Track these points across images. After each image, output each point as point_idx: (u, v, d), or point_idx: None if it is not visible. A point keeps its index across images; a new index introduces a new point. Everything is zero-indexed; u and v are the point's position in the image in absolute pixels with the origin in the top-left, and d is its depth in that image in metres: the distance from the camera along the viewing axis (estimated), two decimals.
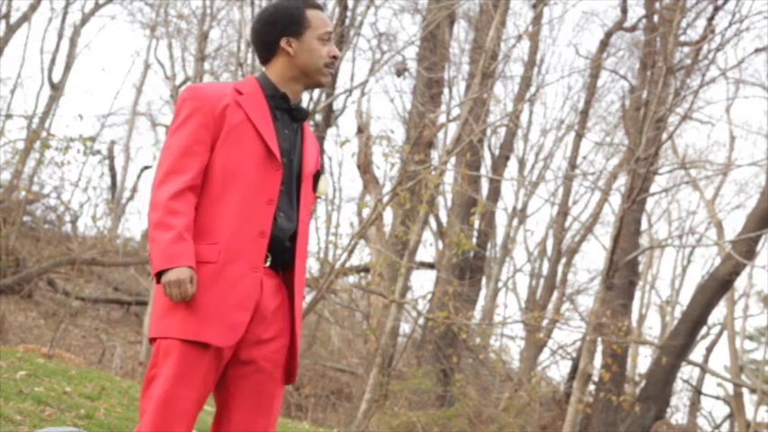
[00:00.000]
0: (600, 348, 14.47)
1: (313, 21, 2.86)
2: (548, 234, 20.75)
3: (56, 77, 17.33)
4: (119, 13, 29.48)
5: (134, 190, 21.63)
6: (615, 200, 19.64)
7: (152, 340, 2.73)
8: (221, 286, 2.67)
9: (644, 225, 20.84)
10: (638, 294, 21.46)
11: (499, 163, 17.30)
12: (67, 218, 18.12)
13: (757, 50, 16.19)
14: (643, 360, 20.35)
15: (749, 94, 37.59)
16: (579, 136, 18.51)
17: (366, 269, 14.20)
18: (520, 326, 18.66)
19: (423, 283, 44.03)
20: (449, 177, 12.60)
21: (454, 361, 14.20)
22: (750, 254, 14.98)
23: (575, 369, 15.71)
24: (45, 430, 3.48)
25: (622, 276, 15.33)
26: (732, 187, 32.02)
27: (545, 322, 15.60)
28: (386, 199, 11.02)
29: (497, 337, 18.42)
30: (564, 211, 19.76)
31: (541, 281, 20.04)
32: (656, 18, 16.33)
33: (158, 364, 2.67)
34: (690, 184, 20.86)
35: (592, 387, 15.68)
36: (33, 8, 16.12)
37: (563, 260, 19.84)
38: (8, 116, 16.26)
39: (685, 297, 23.04)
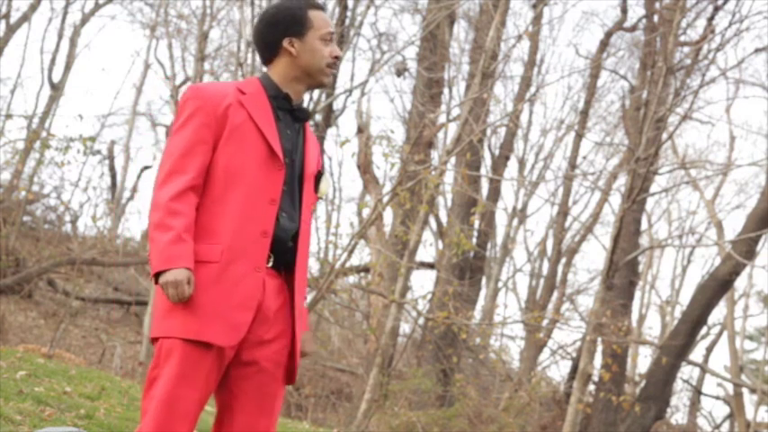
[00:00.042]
0: (600, 348, 14.47)
1: (315, 21, 2.86)
2: (548, 234, 20.76)
3: (56, 77, 17.34)
4: (119, 13, 29.52)
5: (134, 190, 21.66)
6: (615, 200, 19.66)
7: (154, 340, 2.73)
8: (224, 286, 2.67)
9: (644, 225, 20.85)
10: (638, 294, 21.47)
11: (499, 163, 17.30)
12: (67, 218, 18.14)
13: (757, 50, 16.19)
14: (643, 360, 20.38)
15: (749, 94, 37.64)
16: (579, 136, 18.51)
17: (366, 269, 14.20)
18: (520, 326, 18.68)
19: (423, 283, 44.06)
20: (449, 177, 12.61)
21: (454, 361, 14.20)
22: (750, 254, 14.98)
23: (575, 369, 15.71)
24: (45, 430, 3.48)
25: (622, 276, 15.33)
26: (732, 187, 32.06)
27: (545, 322, 15.60)
28: (386, 199, 11.02)
29: (497, 337, 18.43)
30: (564, 211, 19.76)
31: (541, 281, 20.05)
32: (656, 18, 16.33)
33: (160, 365, 2.66)
34: (690, 184, 20.87)
35: (592, 387, 15.68)
36: (33, 8, 16.12)
37: (563, 260, 19.84)
38: (8, 116, 16.27)
39: (685, 297, 23.05)
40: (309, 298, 10.67)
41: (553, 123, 20.42)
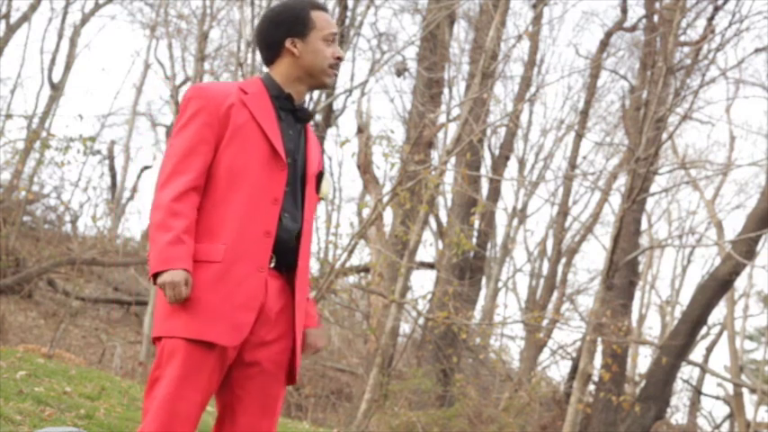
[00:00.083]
0: (600, 348, 14.47)
1: (318, 22, 2.86)
2: (548, 234, 20.76)
3: (56, 77, 17.34)
4: (119, 13, 29.47)
5: (134, 190, 21.67)
6: (615, 200, 19.67)
7: (156, 340, 2.72)
8: (227, 286, 2.67)
9: (644, 225, 20.85)
10: (638, 294, 21.48)
11: (499, 163, 17.30)
12: (67, 218, 18.15)
13: (757, 50, 16.20)
14: (643, 360, 20.38)
15: (749, 94, 37.64)
16: (579, 136, 18.51)
17: (366, 269, 14.20)
18: (520, 326, 18.68)
19: (423, 283, 44.05)
20: (449, 177, 12.61)
21: (454, 361, 14.20)
22: (750, 254, 14.98)
23: (575, 369, 15.71)
24: (45, 430, 3.48)
25: (622, 276, 15.33)
26: (732, 187, 32.06)
27: (545, 322, 15.60)
28: (386, 199, 11.03)
29: (497, 337, 18.44)
30: (564, 211, 19.76)
31: (541, 281, 20.05)
32: (656, 18, 16.33)
33: (163, 365, 2.66)
34: (690, 184, 20.87)
35: (592, 387, 15.68)
36: (33, 8, 16.13)
37: (563, 260, 19.84)
38: (8, 116, 16.27)
39: (685, 297, 23.05)
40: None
41: (553, 123, 20.44)
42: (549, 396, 16.90)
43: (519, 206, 20.23)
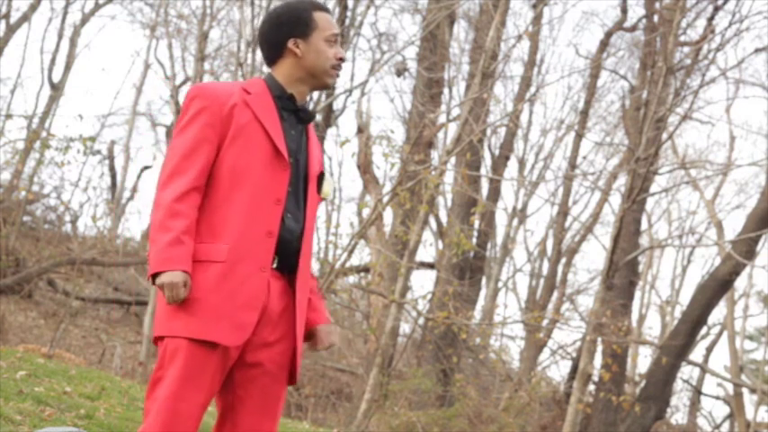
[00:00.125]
0: (600, 348, 14.47)
1: (320, 22, 2.87)
2: (548, 234, 20.76)
3: (56, 77, 17.34)
4: (119, 13, 29.49)
5: (134, 190, 21.66)
6: (615, 200, 19.67)
7: (158, 340, 2.72)
8: (230, 286, 2.66)
9: (644, 225, 20.85)
10: (638, 294, 21.48)
11: (499, 163, 17.31)
12: (67, 218, 18.15)
13: (757, 50, 16.20)
14: (643, 360, 20.38)
15: (749, 94, 37.66)
16: (579, 136, 18.51)
17: (366, 269, 14.20)
18: (520, 326, 18.68)
19: (423, 283, 44.07)
20: (449, 177, 12.61)
21: (454, 361, 14.20)
22: (750, 254, 14.98)
23: (575, 369, 15.71)
24: (45, 430, 3.47)
25: (622, 276, 15.33)
26: (732, 187, 32.07)
27: (545, 322, 15.61)
28: (386, 199, 11.03)
29: (497, 337, 18.43)
30: (564, 211, 19.77)
31: (541, 281, 20.05)
32: (656, 18, 16.33)
33: (165, 365, 2.66)
34: (690, 184, 20.87)
35: (592, 387, 15.68)
36: (33, 8, 16.13)
37: (563, 260, 19.84)
38: (8, 116, 16.27)
39: (685, 297, 23.05)
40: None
41: (553, 123, 20.44)
42: (549, 396, 16.90)
43: (519, 206, 20.24)
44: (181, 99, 14.55)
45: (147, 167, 21.90)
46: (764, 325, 24.86)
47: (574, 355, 18.40)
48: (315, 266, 13.20)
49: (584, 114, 18.40)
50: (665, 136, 13.45)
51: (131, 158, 23.95)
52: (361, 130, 16.54)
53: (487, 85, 11.41)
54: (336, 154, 26.81)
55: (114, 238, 18.19)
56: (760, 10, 16.26)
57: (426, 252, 17.22)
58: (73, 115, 25.66)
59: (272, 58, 2.89)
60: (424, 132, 13.74)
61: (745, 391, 21.68)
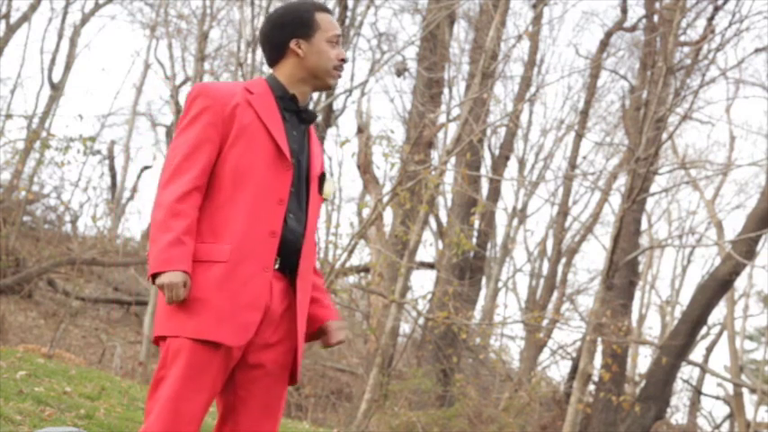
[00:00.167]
0: (600, 348, 14.47)
1: (322, 23, 2.87)
2: (548, 234, 20.76)
3: (56, 77, 17.34)
4: (119, 13, 29.51)
5: (134, 190, 21.66)
6: (615, 200, 19.67)
7: (159, 340, 2.71)
8: (232, 286, 2.66)
9: (644, 225, 20.85)
10: (638, 294, 21.47)
11: (499, 163, 17.31)
12: (67, 218, 18.14)
13: (757, 50, 16.20)
14: (643, 360, 20.38)
15: (749, 94, 37.63)
16: (579, 136, 18.51)
17: (366, 269, 14.20)
18: (520, 326, 18.68)
19: (423, 283, 44.05)
20: (449, 177, 12.61)
21: (454, 361, 14.20)
22: (750, 254, 14.98)
23: (575, 369, 15.71)
24: (45, 430, 3.47)
25: (622, 276, 15.33)
26: (732, 187, 32.05)
27: (545, 322, 15.61)
28: (386, 199, 11.03)
29: (497, 337, 18.44)
30: (564, 211, 19.77)
31: (541, 281, 20.05)
32: (656, 18, 16.34)
33: (167, 365, 2.65)
34: (690, 184, 20.87)
35: (592, 387, 15.68)
36: (33, 8, 16.13)
37: (563, 260, 19.84)
38: (8, 116, 16.27)
39: (685, 297, 23.05)
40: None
41: (553, 123, 20.44)
42: (549, 396, 16.90)
43: (519, 206, 20.24)
44: (181, 99, 14.55)
45: (147, 167, 21.92)
46: (764, 325, 24.88)
47: (574, 355, 18.40)
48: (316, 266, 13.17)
49: (584, 114, 18.40)
50: (665, 136, 13.45)
51: (131, 158, 23.99)
52: (361, 130, 16.54)
53: (487, 85, 11.41)
54: (336, 154, 26.79)
55: (114, 238, 18.19)
56: (760, 10, 16.26)
57: (426, 252, 17.23)
58: (73, 115, 25.69)
59: (274, 58, 2.89)
60: (424, 132, 13.74)
61: (745, 391, 21.68)
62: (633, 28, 17.69)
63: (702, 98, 21.97)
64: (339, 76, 2.92)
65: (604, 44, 17.85)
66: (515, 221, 20.40)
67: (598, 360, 15.06)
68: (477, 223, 15.13)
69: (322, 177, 2.92)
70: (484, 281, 18.50)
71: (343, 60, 2.90)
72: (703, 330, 21.68)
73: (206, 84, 2.83)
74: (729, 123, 21.74)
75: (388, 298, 11.23)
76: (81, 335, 14.50)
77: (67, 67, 17.26)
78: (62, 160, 14.67)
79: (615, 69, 18.78)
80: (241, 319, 2.66)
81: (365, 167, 16.10)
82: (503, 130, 17.25)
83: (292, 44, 2.85)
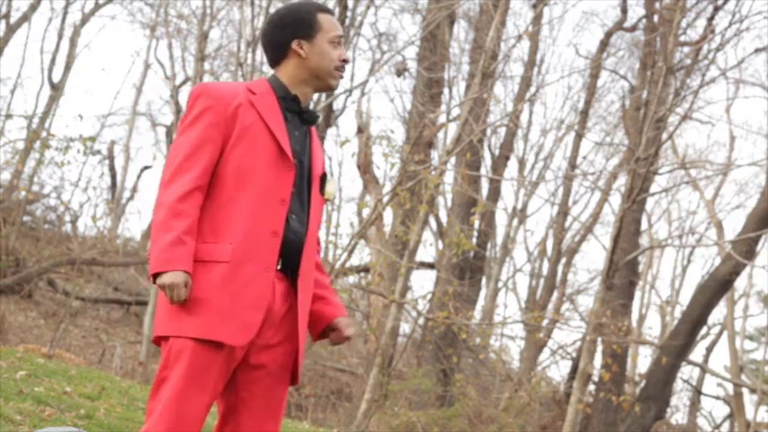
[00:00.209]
0: (600, 348, 14.47)
1: (324, 24, 2.88)
2: (548, 234, 20.76)
3: (56, 77, 17.33)
4: (119, 13, 29.52)
5: (134, 190, 21.66)
6: (615, 200, 19.67)
7: (161, 340, 2.71)
8: (235, 286, 2.66)
9: (644, 225, 20.85)
10: (638, 294, 21.47)
11: (499, 163, 17.31)
12: (67, 218, 18.14)
13: (757, 50, 16.20)
14: (643, 360, 20.38)
15: (749, 94, 37.62)
16: (579, 136, 18.51)
17: (366, 269, 14.20)
18: (520, 326, 18.68)
19: (423, 283, 44.07)
20: (449, 177, 12.61)
21: (454, 361, 14.20)
22: (750, 254, 14.98)
23: (575, 369, 15.71)
24: (45, 430, 3.48)
25: (622, 276, 15.33)
26: (732, 187, 32.05)
27: (545, 322, 15.61)
28: (386, 199, 11.03)
29: (497, 337, 18.44)
30: (564, 211, 19.77)
31: (541, 281, 20.05)
32: (656, 18, 16.34)
33: (170, 366, 2.64)
34: (690, 184, 20.87)
35: (592, 387, 15.68)
36: (33, 8, 16.12)
37: (563, 260, 19.84)
38: (8, 116, 16.27)
39: (685, 297, 23.04)
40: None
41: (553, 123, 20.44)
42: (549, 396, 16.90)
43: (519, 206, 20.24)
44: (181, 99, 14.57)
45: (147, 167, 21.92)
46: (764, 325, 24.88)
47: (574, 355, 18.40)
48: None
49: (584, 114, 18.41)
50: (665, 136, 13.45)
51: (131, 158, 23.98)
52: (361, 130, 16.54)
53: (487, 85, 11.41)
54: (336, 154, 26.81)
55: (114, 238, 18.19)
56: (760, 10, 16.26)
57: (426, 252, 17.23)
58: (73, 115, 25.68)
59: (275, 59, 2.89)
60: (424, 132, 13.75)
61: (745, 391, 21.68)
62: (633, 28, 17.70)
63: (702, 98, 22.00)
64: (341, 77, 2.92)
65: (604, 44, 17.85)
66: (515, 221, 20.41)
67: (598, 360, 15.07)
68: (477, 223, 15.13)
69: (323, 178, 2.92)
70: (484, 281, 18.50)
71: (345, 61, 2.90)
72: (703, 330, 21.68)
73: (208, 84, 2.82)
74: (729, 123, 21.75)
75: (388, 298, 11.23)
76: (81, 335, 14.50)
77: (67, 67, 17.25)
78: (62, 160, 14.68)
79: (615, 69, 18.80)
80: (243, 319, 2.65)
81: (365, 167, 16.10)
82: (503, 130, 17.26)
83: (294, 45, 2.85)
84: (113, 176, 20.88)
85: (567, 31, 41.87)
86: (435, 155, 15.55)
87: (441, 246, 16.05)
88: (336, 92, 13.87)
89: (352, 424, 11.28)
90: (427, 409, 13.47)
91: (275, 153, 2.75)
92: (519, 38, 13.21)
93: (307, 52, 2.85)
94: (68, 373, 7.07)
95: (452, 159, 12.59)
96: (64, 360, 9.74)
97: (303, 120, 2.89)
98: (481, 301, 18.03)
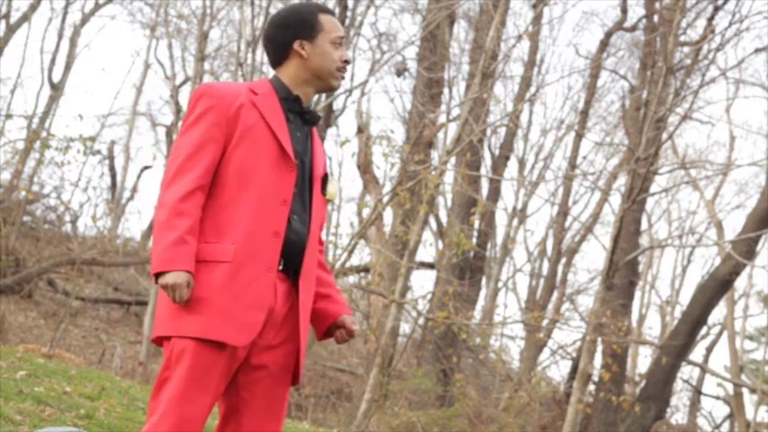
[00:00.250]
0: (600, 348, 14.47)
1: (326, 25, 2.88)
2: (548, 234, 20.76)
3: (56, 77, 17.33)
4: (119, 13, 29.53)
5: (134, 190, 21.65)
6: (615, 200, 19.67)
7: (162, 340, 2.70)
8: (237, 286, 2.66)
9: (644, 225, 20.85)
10: (638, 294, 21.47)
11: (499, 163, 17.31)
12: (67, 218, 18.14)
13: (757, 50, 16.20)
14: (643, 360, 20.38)
15: (749, 94, 37.62)
16: (579, 136, 18.52)
17: (366, 269, 14.19)
18: (520, 326, 18.68)
19: (423, 283, 44.05)
20: (449, 177, 12.61)
21: (454, 361, 14.20)
22: (750, 254, 14.98)
23: (575, 369, 15.71)
24: (45, 430, 3.48)
25: (622, 276, 15.33)
26: (732, 187, 32.05)
27: (545, 322, 15.61)
28: (386, 199, 11.03)
29: (497, 337, 18.43)
30: (564, 211, 19.77)
31: (541, 281, 20.05)
32: (656, 18, 16.34)
33: (172, 366, 2.64)
34: (690, 184, 20.87)
35: (592, 387, 15.68)
36: (33, 8, 16.12)
37: (563, 260, 19.84)
38: (8, 116, 16.27)
39: (685, 297, 23.05)
40: None
41: (553, 123, 20.44)
42: (549, 396, 16.90)
43: (519, 206, 20.24)
44: (181, 99, 14.58)
45: (147, 167, 21.91)
46: (764, 325, 24.88)
47: (574, 355, 18.40)
48: None
49: (584, 114, 18.40)
50: (665, 136, 13.46)
51: (131, 158, 23.95)
52: (361, 130, 16.54)
53: (487, 85, 11.41)
54: (336, 154, 26.78)
55: (114, 238, 18.19)
56: (760, 10, 16.26)
57: (426, 252, 17.22)
58: (73, 115, 25.67)
59: (277, 60, 2.90)
60: (424, 132, 13.75)
61: (745, 391, 21.68)
62: (633, 28, 17.70)
63: (702, 98, 22.01)
64: (342, 78, 2.92)
65: (604, 44, 17.85)
66: (515, 221, 20.40)
67: (598, 360, 15.07)
68: (477, 223, 15.13)
69: (325, 178, 2.92)
70: (484, 281, 18.50)
71: (347, 62, 2.91)
72: (703, 330, 21.68)
73: (210, 84, 2.83)
74: (729, 123, 21.75)
75: (388, 298, 11.23)
76: (81, 335, 14.50)
77: (67, 67, 17.25)
78: (62, 160, 14.68)
79: (615, 69, 18.80)
80: (246, 319, 2.65)
81: (365, 167, 16.10)
82: (503, 130, 17.26)
83: (296, 45, 2.86)
84: (113, 176, 20.88)
85: (567, 31, 41.91)
86: (435, 155, 15.56)
87: (441, 246, 16.05)
88: (336, 92, 13.87)
89: (352, 424, 11.28)
90: (427, 409, 13.47)
91: (277, 153, 2.76)
92: (519, 38, 13.22)
93: (308, 53, 2.86)
94: (68, 373, 7.07)
95: (452, 159, 12.59)
96: (64, 360, 9.74)
97: (305, 120, 2.89)
98: (481, 301, 18.04)
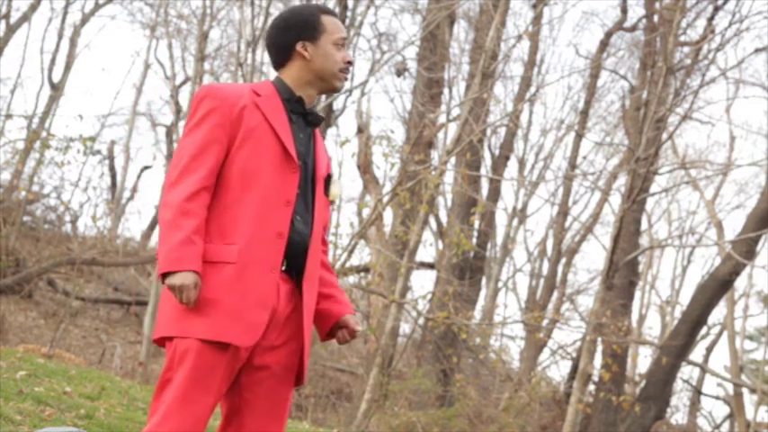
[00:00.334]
0: (600, 348, 14.47)
1: (328, 26, 2.88)
2: (548, 234, 20.76)
3: (56, 77, 17.33)
4: (119, 13, 29.57)
5: (134, 190, 21.66)
6: (615, 200, 19.67)
7: (165, 340, 2.70)
8: (241, 287, 2.66)
9: (644, 225, 20.85)
10: (638, 294, 21.48)
11: (499, 163, 17.31)
12: (67, 218, 18.13)
13: (757, 50, 16.21)
14: (643, 360, 20.39)
15: (749, 94, 37.65)
16: (579, 136, 18.51)
17: (366, 269, 14.19)
18: (520, 326, 18.68)
19: (423, 283, 44.04)
20: (449, 177, 12.61)
21: (454, 361, 14.20)
22: (750, 254, 14.98)
23: (575, 369, 15.71)
24: (45, 430, 3.48)
25: (622, 276, 15.33)
26: (732, 187, 32.07)
27: (545, 322, 15.60)
28: (386, 199, 11.03)
29: (497, 337, 18.44)
30: (564, 211, 19.77)
31: (541, 281, 20.05)
32: (656, 18, 16.34)
33: (174, 367, 2.64)
34: (690, 184, 20.87)
35: (592, 387, 15.68)
36: (33, 8, 16.12)
37: (563, 260, 19.84)
38: (8, 116, 16.26)
39: (685, 297, 23.06)
40: None
41: (553, 123, 20.45)
42: (549, 396, 16.90)
43: (519, 206, 20.24)
44: (181, 99, 14.57)
45: (147, 167, 21.93)
46: (764, 325, 24.88)
47: (574, 355, 18.40)
48: None
49: (584, 114, 18.40)
50: (665, 136, 13.46)
51: (131, 158, 23.95)
52: (361, 130, 16.54)
53: (487, 85, 11.41)
54: (336, 154, 26.75)
55: (114, 238, 18.19)
56: (760, 10, 16.28)
57: (426, 252, 17.23)
58: (73, 115, 25.67)
59: (280, 61, 2.90)
60: (424, 132, 13.75)
61: (745, 391, 21.68)
62: (633, 28, 17.70)
63: (702, 98, 22.02)
64: (345, 79, 2.92)
65: (604, 44, 17.85)
66: (515, 221, 20.41)
67: (598, 360, 15.07)
68: (477, 223, 15.13)
69: (328, 179, 2.92)
70: (484, 281, 18.50)
71: (349, 63, 2.91)
72: (703, 330, 21.68)
73: (213, 85, 2.83)
74: (729, 123, 21.76)
75: (388, 298, 11.23)
76: (81, 335, 14.50)
77: (67, 67, 17.25)
78: (62, 160, 14.68)
79: (615, 69, 18.81)
80: (250, 320, 2.65)
81: (365, 167, 16.10)
82: (503, 130, 17.26)
83: (298, 47, 2.86)
84: (113, 176, 20.89)
85: (567, 31, 41.92)
86: (435, 155, 15.56)
87: (441, 246, 16.05)
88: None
89: (352, 424, 11.28)
90: (427, 409, 13.47)
91: (280, 155, 2.76)
92: (519, 38, 13.21)
93: (311, 54, 2.86)
94: (68, 373, 7.07)
95: (452, 159, 12.59)
96: (64, 360, 9.74)
97: (308, 121, 2.89)
98: (481, 301, 18.04)
